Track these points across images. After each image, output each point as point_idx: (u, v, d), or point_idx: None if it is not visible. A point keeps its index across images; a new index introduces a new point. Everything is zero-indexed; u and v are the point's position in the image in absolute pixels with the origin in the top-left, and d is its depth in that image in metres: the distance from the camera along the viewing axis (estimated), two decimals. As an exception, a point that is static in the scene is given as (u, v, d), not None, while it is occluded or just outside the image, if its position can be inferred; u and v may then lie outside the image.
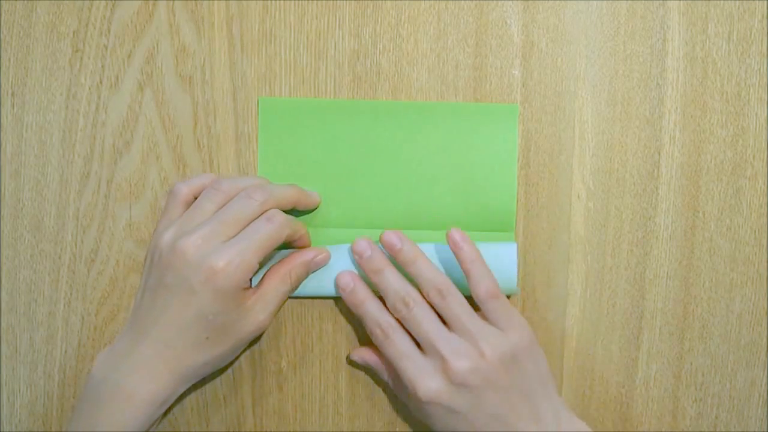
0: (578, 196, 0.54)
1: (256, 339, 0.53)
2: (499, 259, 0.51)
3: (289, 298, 0.53)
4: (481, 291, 0.49)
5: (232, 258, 0.46)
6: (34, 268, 0.54)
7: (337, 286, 0.52)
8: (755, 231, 0.53)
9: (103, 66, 0.53)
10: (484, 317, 0.49)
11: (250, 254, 0.47)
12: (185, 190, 0.51)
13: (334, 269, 0.52)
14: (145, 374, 0.47)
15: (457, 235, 0.50)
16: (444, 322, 0.49)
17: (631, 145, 0.53)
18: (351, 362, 0.54)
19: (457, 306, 0.49)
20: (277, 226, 0.48)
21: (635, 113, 0.53)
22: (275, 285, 0.50)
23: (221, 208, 0.48)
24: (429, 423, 0.49)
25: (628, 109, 0.53)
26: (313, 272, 0.52)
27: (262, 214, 0.49)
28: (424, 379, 0.47)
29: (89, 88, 0.53)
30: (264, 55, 0.53)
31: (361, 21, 0.53)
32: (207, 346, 0.48)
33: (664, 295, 0.54)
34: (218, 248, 0.47)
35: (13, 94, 0.53)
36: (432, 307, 0.49)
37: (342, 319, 0.54)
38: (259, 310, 0.49)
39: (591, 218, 0.54)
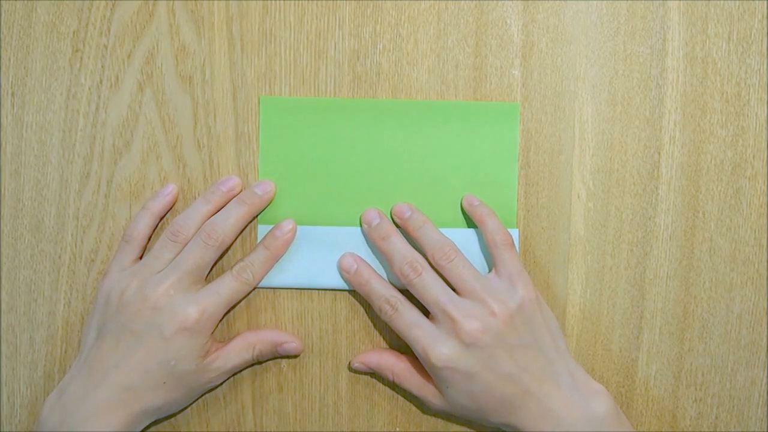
0: (578, 196, 0.54)
1: (209, 390, 0.53)
2: None
3: (291, 289, 0.53)
4: (498, 238, 0.50)
5: (205, 308, 0.49)
6: (34, 268, 0.54)
7: (340, 269, 0.52)
8: (755, 231, 0.53)
9: (103, 66, 0.53)
10: (493, 272, 0.50)
11: (220, 308, 0.50)
12: (135, 234, 0.52)
13: (334, 259, 0.53)
14: (103, 418, 0.48)
15: (470, 197, 0.52)
16: (451, 288, 0.50)
17: (631, 145, 0.53)
18: (353, 370, 0.54)
19: (463, 268, 0.49)
20: (243, 285, 0.51)
21: (635, 113, 0.53)
22: (238, 349, 0.51)
23: (185, 254, 0.50)
24: (447, 391, 0.49)
25: (628, 109, 0.53)
26: (280, 356, 0.53)
27: (225, 251, 0.52)
28: (436, 345, 0.48)
29: (89, 88, 0.53)
30: (264, 55, 0.53)
31: (361, 21, 0.53)
32: (163, 391, 0.49)
33: (664, 295, 0.54)
34: (190, 298, 0.49)
35: (13, 94, 0.53)
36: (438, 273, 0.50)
37: (342, 319, 0.54)
38: (215, 368, 0.50)
39: (591, 218, 0.54)
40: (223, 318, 0.52)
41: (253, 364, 0.53)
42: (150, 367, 0.48)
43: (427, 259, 0.50)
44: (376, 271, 0.52)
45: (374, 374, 0.54)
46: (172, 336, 0.48)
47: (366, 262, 0.52)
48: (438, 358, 0.48)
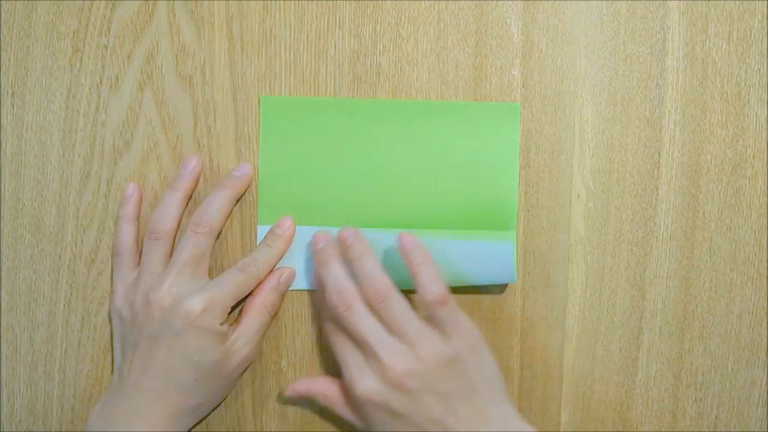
0: (578, 196, 0.54)
1: (244, 370, 0.53)
2: (496, 260, 0.51)
3: (291, 289, 0.53)
4: (428, 296, 0.48)
5: (210, 298, 0.49)
6: (34, 268, 0.54)
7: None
8: (755, 231, 0.53)
9: (103, 66, 0.53)
10: (430, 321, 0.49)
11: (226, 298, 0.50)
12: (122, 245, 0.52)
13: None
14: (142, 424, 0.48)
15: (405, 238, 0.49)
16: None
17: (631, 145, 0.53)
18: (285, 399, 0.53)
19: (395, 309, 0.48)
20: (248, 277, 0.51)
21: (635, 113, 0.53)
22: (254, 318, 0.51)
23: (178, 250, 0.50)
24: (370, 425, 0.49)
25: (628, 109, 0.53)
26: (285, 292, 0.53)
27: (216, 238, 0.51)
28: (362, 378, 0.48)
29: (89, 88, 0.53)
30: (264, 55, 0.53)
31: (361, 21, 0.53)
32: (197, 389, 0.49)
33: (664, 295, 0.54)
34: (194, 291, 0.49)
35: (13, 94, 0.53)
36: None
37: (342, 319, 0.54)
38: (242, 345, 0.50)
39: (591, 218, 0.54)
40: (231, 311, 0.52)
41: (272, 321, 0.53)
42: (174, 365, 0.48)
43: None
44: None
45: (308, 400, 0.53)
46: (183, 331, 0.48)
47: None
48: (362, 390, 0.47)
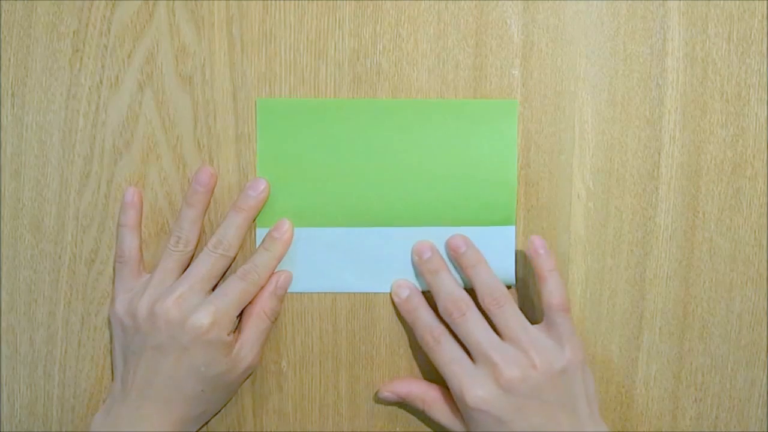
0: (578, 196, 0.54)
1: (249, 375, 0.54)
2: (498, 242, 0.52)
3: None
4: (554, 301, 0.49)
5: (217, 311, 0.49)
6: (34, 268, 0.54)
7: (393, 294, 0.53)
8: (755, 231, 0.53)
9: (103, 66, 0.53)
10: (544, 328, 0.50)
11: (231, 308, 0.50)
12: (126, 251, 0.52)
13: (334, 260, 0.53)
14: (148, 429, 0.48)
15: (537, 242, 0.51)
16: (496, 331, 0.49)
17: (631, 145, 0.53)
18: (381, 399, 0.53)
19: (511, 315, 0.49)
20: (250, 285, 0.51)
21: (635, 113, 0.53)
22: (255, 325, 0.51)
23: (194, 266, 0.51)
24: (473, 429, 0.49)
25: (628, 109, 0.53)
26: (283, 296, 0.53)
27: (232, 260, 0.52)
28: (473, 386, 0.48)
29: (89, 88, 0.53)
30: (264, 55, 0.53)
31: (361, 21, 0.53)
32: (202, 398, 0.49)
33: (664, 295, 0.54)
34: (200, 305, 0.49)
35: (13, 94, 0.53)
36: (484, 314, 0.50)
37: (342, 319, 0.54)
38: (246, 354, 0.51)
39: (591, 218, 0.54)
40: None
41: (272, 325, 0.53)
42: (181, 376, 0.48)
43: (475, 298, 0.50)
44: (425, 301, 0.52)
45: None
46: (190, 345, 0.48)
47: (417, 290, 0.52)
48: (473, 399, 0.47)
